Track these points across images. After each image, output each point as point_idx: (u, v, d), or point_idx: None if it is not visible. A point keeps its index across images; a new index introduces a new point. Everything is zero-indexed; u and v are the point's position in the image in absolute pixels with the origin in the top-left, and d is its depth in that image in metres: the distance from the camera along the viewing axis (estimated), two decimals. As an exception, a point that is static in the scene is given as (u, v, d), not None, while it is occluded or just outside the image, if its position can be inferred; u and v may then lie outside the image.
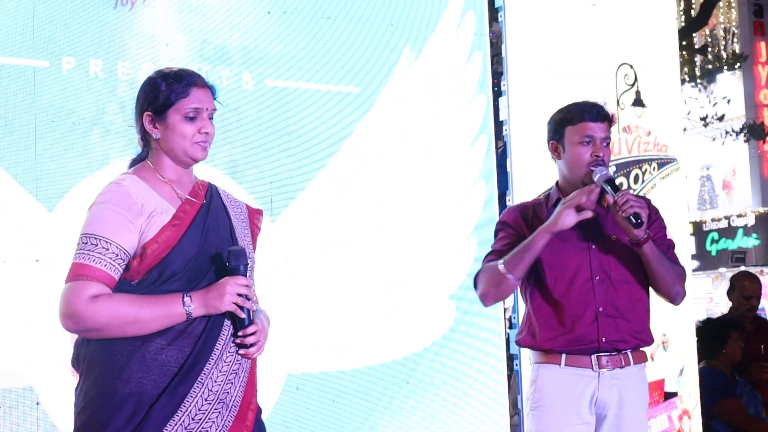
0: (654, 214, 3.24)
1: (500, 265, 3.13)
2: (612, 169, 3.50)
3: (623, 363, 3.16)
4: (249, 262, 2.54)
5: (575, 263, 3.16)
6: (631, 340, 3.18)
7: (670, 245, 3.23)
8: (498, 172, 5.32)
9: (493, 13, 5.47)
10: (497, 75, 5.69)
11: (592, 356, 3.13)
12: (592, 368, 3.14)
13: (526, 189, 5.10)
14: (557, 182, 3.33)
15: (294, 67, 4.87)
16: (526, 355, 3.74)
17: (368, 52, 5.05)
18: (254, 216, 2.73)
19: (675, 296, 3.20)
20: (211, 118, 2.57)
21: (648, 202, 3.26)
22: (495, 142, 5.38)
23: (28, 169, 4.25)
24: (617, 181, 3.15)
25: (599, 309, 3.13)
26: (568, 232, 3.15)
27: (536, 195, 5.05)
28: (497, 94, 5.41)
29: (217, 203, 2.63)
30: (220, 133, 4.64)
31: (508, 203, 5.16)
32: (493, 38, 5.63)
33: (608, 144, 3.20)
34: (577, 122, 3.17)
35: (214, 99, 2.60)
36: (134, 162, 2.64)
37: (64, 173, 4.31)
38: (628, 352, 3.18)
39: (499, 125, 5.37)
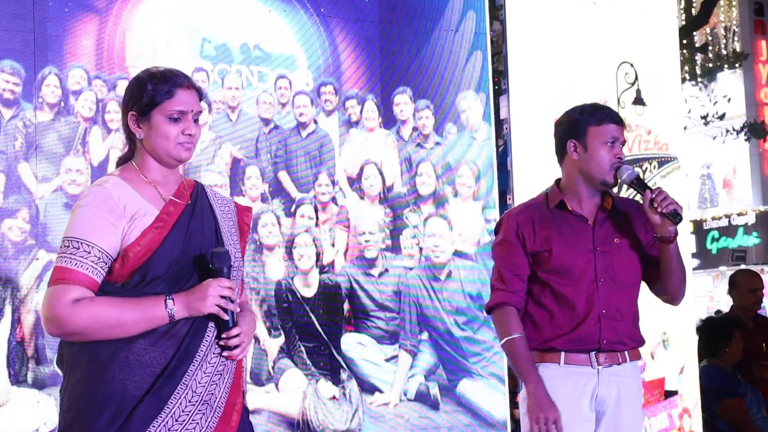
0: None
1: (504, 344, 3.23)
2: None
3: (620, 360, 3.19)
4: (233, 263, 2.51)
5: (581, 266, 3.18)
6: (628, 342, 3.22)
7: None
8: (499, 170, 5.31)
9: (494, 12, 5.47)
10: (498, 73, 5.69)
11: (591, 354, 3.16)
12: (591, 365, 3.17)
13: (526, 187, 5.10)
14: (558, 181, 3.33)
15: (295, 65, 4.87)
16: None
17: (371, 51, 5.05)
18: (243, 213, 2.70)
19: (680, 296, 3.24)
20: (196, 120, 2.54)
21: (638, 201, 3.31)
22: (496, 140, 5.38)
23: (29, 168, 4.25)
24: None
25: (602, 311, 3.16)
26: (574, 236, 3.20)
27: (537, 193, 5.06)
28: (498, 92, 5.40)
29: (203, 203, 2.59)
30: (221, 132, 4.66)
31: (509, 202, 5.16)
32: (494, 37, 5.63)
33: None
34: (601, 123, 3.19)
35: (201, 100, 2.58)
36: (120, 161, 2.62)
37: (65, 171, 4.32)
38: (625, 350, 3.22)
39: (499, 124, 5.36)
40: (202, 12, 4.69)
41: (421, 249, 5.10)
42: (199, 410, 2.40)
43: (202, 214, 2.55)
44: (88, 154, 4.39)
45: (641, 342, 3.28)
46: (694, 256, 15.28)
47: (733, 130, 14.88)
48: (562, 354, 3.16)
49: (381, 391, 4.91)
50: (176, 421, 2.37)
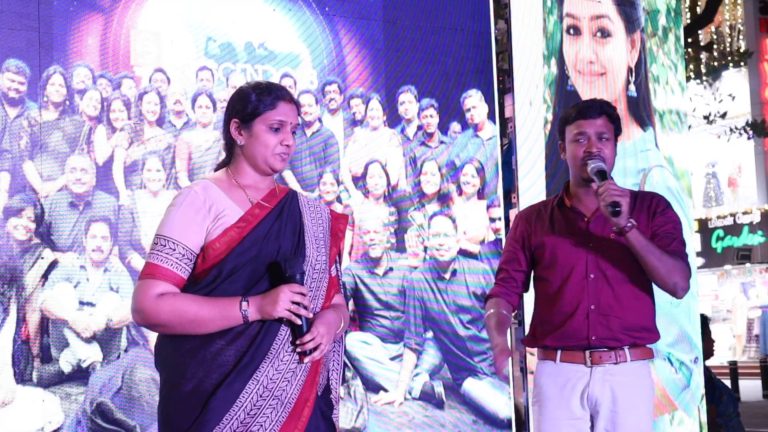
0: (660, 208, 3.24)
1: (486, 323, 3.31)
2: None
3: (617, 359, 3.16)
4: (314, 266, 2.62)
5: (572, 262, 3.19)
6: (624, 338, 3.16)
7: (675, 239, 3.20)
8: (503, 169, 5.31)
9: (499, 10, 5.46)
10: (503, 72, 5.68)
11: (586, 352, 3.16)
12: (585, 364, 3.16)
13: (531, 186, 5.10)
14: (567, 182, 3.36)
15: (299, 64, 4.87)
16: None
17: (375, 50, 5.05)
18: (337, 221, 2.79)
19: (673, 288, 3.15)
20: (294, 132, 2.66)
21: (653, 194, 3.30)
22: (500, 139, 5.37)
23: (34, 167, 4.26)
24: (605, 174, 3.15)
25: (591, 307, 3.15)
26: (569, 232, 3.21)
27: (541, 192, 5.07)
28: (503, 91, 5.40)
29: (291, 208, 2.68)
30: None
31: (514, 200, 5.16)
32: (498, 35, 5.62)
33: (608, 138, 3.21)
34: (572, 121, 3.23)
35: (299, 115, 2.70)
36: (218, 167, 2.75)
37: (70, 170, 4.32)
38: (625, 348, 3.17)
39: (504, 122, 5.36)
40: (206, 11, 4.70)
41: (425, 248, 5.10)
42: (269, 405, 2.51)
43: (288, 219, 2.65)
44: (93, 153, 4.40)
45: (645, 338, 3.21)
46: (698, 254, 15.25)
47: (736, 128, 14.86)
48: (559, 352, 3.17)
49: (386, 390, 4.91)
50: (248, 414, 2.49)
